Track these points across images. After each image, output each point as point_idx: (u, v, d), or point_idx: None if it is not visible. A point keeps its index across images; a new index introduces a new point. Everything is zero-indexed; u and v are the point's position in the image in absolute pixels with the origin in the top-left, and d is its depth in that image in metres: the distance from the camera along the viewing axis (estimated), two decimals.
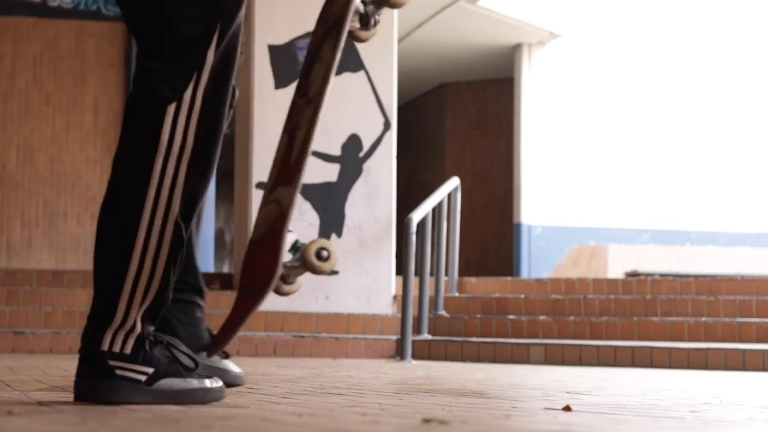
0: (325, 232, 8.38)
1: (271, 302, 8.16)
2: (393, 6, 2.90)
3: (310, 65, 2.85)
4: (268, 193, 2.74)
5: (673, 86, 12.51)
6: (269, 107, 8.37)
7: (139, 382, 2.48)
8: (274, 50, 8.42)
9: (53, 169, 11.06)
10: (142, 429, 1.96)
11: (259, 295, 2.55)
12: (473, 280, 9.12)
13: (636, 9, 12.35)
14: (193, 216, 2.57)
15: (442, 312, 8.29)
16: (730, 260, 12.09)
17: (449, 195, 8.68)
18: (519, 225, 12.31)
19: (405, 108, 14.32)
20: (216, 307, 8.12)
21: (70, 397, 2.67)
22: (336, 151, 8.46)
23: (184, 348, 2.66)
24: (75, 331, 7.53)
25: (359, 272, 8.37)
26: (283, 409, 2.53)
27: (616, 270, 11.89)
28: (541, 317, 7.82)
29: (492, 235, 13.92)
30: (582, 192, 12.29)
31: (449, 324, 7.99)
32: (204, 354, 2.91)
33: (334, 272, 8.36)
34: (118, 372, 2.47)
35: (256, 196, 8.28)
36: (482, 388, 3.81)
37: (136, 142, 2.51)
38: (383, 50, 8.59)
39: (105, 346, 2.48)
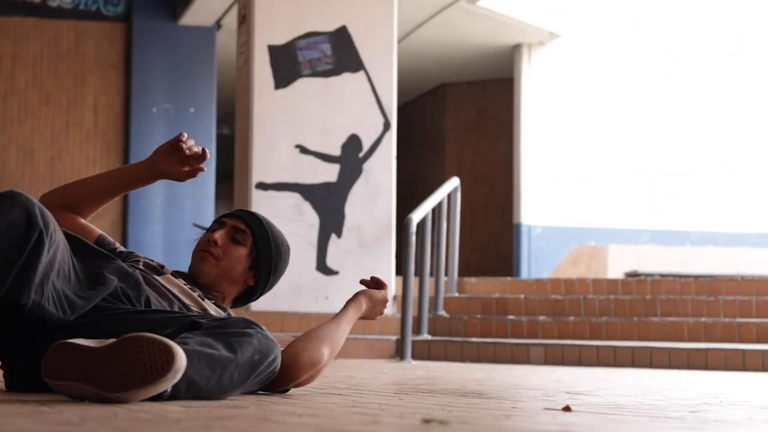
0: (324, 232, 8.39)
1: (271, 302, 8.16)
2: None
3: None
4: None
5: (673, 86, 12.51)
6: (269, 107, 8.37)
7: None
8: (274, 50, 8.42)
9: (53, 169, 11.06)
10: (142, 429, 1.96)
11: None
12: (473, 280, 9.12)
13: (636, 9, 12.35)
14: None
15: (442, 312, 8.29)
16: (730, 260, 12.09)
17: (449, 195, 8.68)
18: (519, 225, 12.31)
19: (405, 108, 14.31)
20: None
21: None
22: (336, 151, 8.46)
23: None
24: None
25: (359, 272, 8.36)
26: (283, 409, 2.53)
27: (616, 270, 11.88)
28: (541, 317, 7.82)
29: (492, 235, 13.91)
30: (582, 192, 12.29)
31: (449, 324, 7.99)
32: None
33: (334, 272, 8.36)
34: None
35: (256, 196, 8.28)
36: (482, 388, 3.81)
37: None
38: (383, 50, 8.59)
39: None
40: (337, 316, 3.24)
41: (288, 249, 3.36)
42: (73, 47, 11.21)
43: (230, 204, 13.32)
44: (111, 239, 3.31)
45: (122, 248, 3.31)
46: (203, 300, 3.13)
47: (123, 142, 11.13)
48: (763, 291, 8.08)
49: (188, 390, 2.57)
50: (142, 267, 3.13)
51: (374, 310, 3.32)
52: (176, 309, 3.02)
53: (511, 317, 7.84)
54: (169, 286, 3.10)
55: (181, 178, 3.25)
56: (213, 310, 3.13)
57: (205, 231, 3.31)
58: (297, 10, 8.48)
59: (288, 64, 8.42)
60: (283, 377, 2.97)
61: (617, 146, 12.39)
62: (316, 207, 8.40)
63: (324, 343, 3.07)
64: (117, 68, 11.25)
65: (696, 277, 9.46)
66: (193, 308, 3.08)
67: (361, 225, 8.44)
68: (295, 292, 8.24)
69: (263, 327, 2.83)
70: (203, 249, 3.23)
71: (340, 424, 2.16)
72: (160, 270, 3.17)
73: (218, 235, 3.22)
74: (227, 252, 3.22)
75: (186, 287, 3.14)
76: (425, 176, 14.47)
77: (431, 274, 8.20)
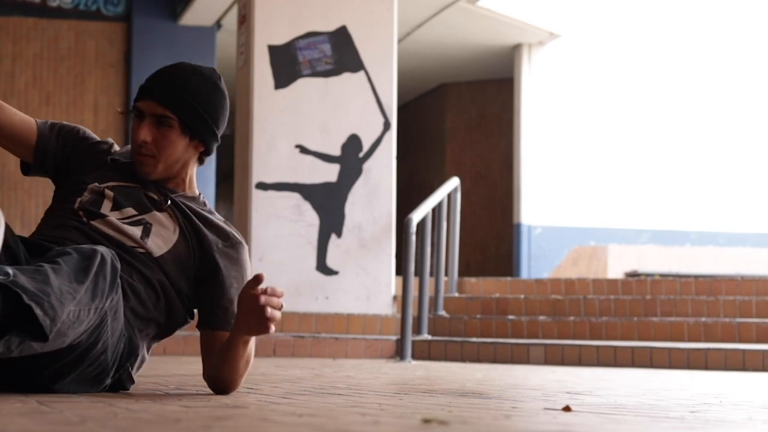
0: (324, 232, 8.39)
1: None
2: None
3: None
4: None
5: (673, 86, 12.51)
6: (269, 107, 8.37)
7: None
8: (274, 50, 8.42)
9: None
10: (142, 429, 1.96)
11: None
12: (473, 280, 9.12)
13: (636, 9, 12.35)
14: None
15: (442, 312, 8.29)
16: (730, 260, 12.09)
17: (449, 195, 8.68)
18: (519, 225, 12.31)
19: (405, 108, 14.31)
20: None
21: (70, 397, 2.67)
22: (336, 151, 8.45)
23: None
24: None
25: (359, 272, 8.36)
26: (283, 409, 2.53)
27: (615, 270, 11.88)
28: (541, 317, 7.82)
29: (492, 235, 13.91)
30: (582, 192, 12.29)
31: (449, 324, 7.99)
32: None
33: (334, 272, 8.36)
34: None
35: (256, 196, 8.28)
36: (482, 388, 3.80)
37: None
38: (383, 50, 8.58)
39: None
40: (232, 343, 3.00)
41: (215, 85, 3.08)
42: (73, 47, 11.22)
43: (230, 204, 13.33)
44: (51, 122, 3.17)
45: (66, 126, 3.17)
46: (147, 237, 2.99)
47: (123, 142, 11.14)
48: (763, 291, 8.08)
49: (42, 294, 2.53)
50: (78, 212, 3.02)
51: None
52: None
53: (511, 317, 7.84)
54: (104, 229, 3.00)
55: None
56: (164, 229, 3.03)
57: (130, 115, 3.14)
58: (297, 10, 8.48)
59: (288, 64, 8.42)
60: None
61: (617, 146, 12.39)
62: (316, 207, 8.40)
63: (243, 369, 3.08)
64: (117, 68, 11.26)
65: (696, 277, 9.46)
66: (129, 244, 2.98)
67: (361, 225, 8.44)
68: (295, 292, 8.24)
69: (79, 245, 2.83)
70: (137, 152, 3.04)
71: (340, 424, 2.16)
72: (96, 212, 3.01)
73: (143, 134, 3.01)
74: (160, 144, 3.02)
75: (126, 224, 3.00)
76: (425, 176, 14.48)
77: (431, 274, 8.20)
